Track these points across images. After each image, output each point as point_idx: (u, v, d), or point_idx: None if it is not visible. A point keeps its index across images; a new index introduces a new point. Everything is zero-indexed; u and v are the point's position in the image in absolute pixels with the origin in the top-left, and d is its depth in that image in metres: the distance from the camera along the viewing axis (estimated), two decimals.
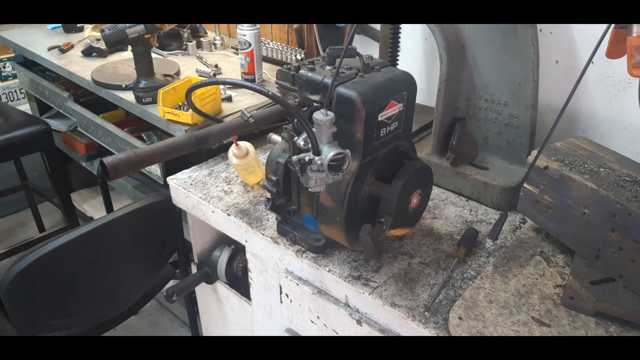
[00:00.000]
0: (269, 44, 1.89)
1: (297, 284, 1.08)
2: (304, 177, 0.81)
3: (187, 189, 1.29)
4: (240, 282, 1.43)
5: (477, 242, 1.08)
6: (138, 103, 1.55)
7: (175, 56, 1.97)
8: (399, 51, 1.46)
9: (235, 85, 1.57)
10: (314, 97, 0.92)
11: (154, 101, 1.51)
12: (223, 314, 1.53)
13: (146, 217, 1.35)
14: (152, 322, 2.24)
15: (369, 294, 0.95)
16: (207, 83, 0.95)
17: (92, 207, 2.38)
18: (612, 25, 0.79)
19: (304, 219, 1.07)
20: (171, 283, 1.59)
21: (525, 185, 1.04)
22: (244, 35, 1.60)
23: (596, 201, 0.92)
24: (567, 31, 1.27)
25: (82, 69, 1.80)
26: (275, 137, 1.20)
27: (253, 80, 1.67)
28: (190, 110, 1.39)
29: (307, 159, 0.80)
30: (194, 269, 1.52)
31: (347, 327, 1.02)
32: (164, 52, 1.99)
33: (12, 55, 2.56)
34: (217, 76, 1.76)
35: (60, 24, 2.23)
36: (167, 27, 1.62)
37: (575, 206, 0.96)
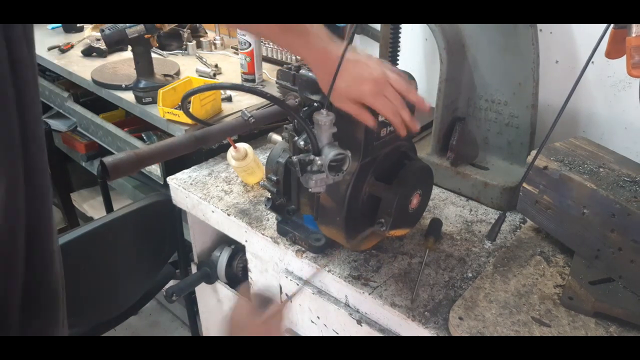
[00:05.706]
0: (269, 44, 1.88)
1: (297, 284, 1.08)
2: (304, 178, 0.81)
3: (187, 189, 1.29)
4: (240, 282, 1.43)
5: (442, 232, 1.11)
6: (138, 103, 1.55)
7: (175, 56, 1.97)
8: (399, 51, 1.46)
9: (233, 89, 1.57)
10: (315, 97, 0.92)
11: (154, 101, 1.51)
12: (223, 314, 1.53)
13: (146, 217, 1.35)
14: (152, 322, 2.24)
15: (369, 294, 0.95)
16: (203, 89, 0.94)
17: (92, 207, 2.38)
18: (612, 25, 0.79)
19: (304, 219, 1.07)
20: (171, 283, 1.59)
21: (524, 185, 1.04)
22: (244, 35, 1.60)
23: (596, 201, 0.92)
24: (567, 31, 1.27)
25: (82, 69, 1.80)
26: (276, 137, 1.20)
27: (253, 81, 1.67)
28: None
29: (307, 159, 0.80)
30: (194, 269, 1.52)
31: (347, 327, 1.02)
32: (164, 52, 1.99)
33: None
34: (217, 76, 1.76)
35: (60, 24, 2.23)
36: (167, 27, 1.62)
37: (575, 206, 0.96)
